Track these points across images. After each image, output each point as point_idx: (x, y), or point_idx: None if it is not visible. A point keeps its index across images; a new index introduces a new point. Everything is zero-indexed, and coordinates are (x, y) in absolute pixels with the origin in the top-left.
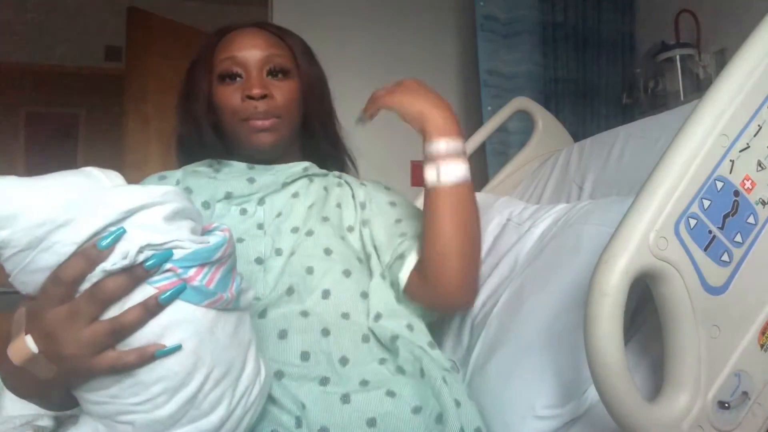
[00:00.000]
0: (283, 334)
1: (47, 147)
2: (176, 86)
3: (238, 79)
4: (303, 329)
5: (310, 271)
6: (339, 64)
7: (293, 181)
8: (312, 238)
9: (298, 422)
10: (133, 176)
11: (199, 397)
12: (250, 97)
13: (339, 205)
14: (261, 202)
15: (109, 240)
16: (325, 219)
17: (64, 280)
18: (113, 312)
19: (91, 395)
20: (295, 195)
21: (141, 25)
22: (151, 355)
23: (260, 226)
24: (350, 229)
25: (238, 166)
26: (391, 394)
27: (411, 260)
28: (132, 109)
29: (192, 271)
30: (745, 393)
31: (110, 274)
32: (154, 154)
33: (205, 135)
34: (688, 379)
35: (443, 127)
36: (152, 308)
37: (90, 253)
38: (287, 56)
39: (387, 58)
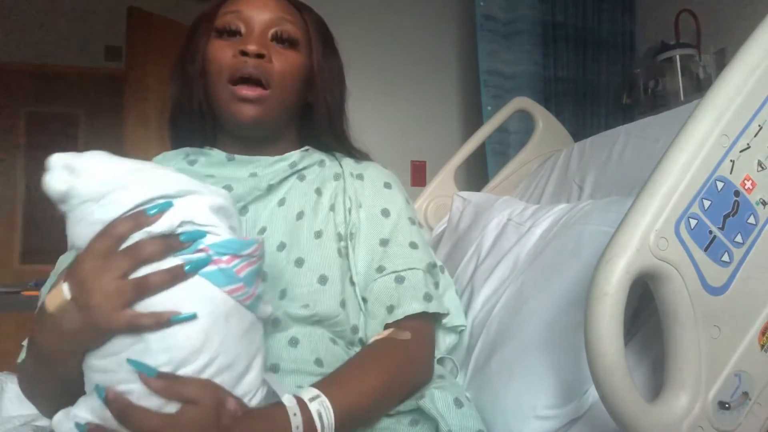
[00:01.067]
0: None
1: (47, 147)
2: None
3: (237, 36)
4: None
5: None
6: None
7: (280, 181)
8: (304, 268)
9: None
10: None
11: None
12: (244, 53)
13: (332, 207)
14: (243, 211)
15: (156, 209)
16: (318, 234)
17: (112, 234)
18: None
19: (101, 361)
20: (282, 203)
21: (141, 25)
22: (166, 320)
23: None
24: (340, 237)
25: (216, 157)
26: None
27: (376, 326)
28: (132, 109)
29: (224, 258)
30: (745, 393)
31: (150, 238)
32: (154, 154)
33: (194, 100)
34: (688, 379)
35: None
36: (178, 275)
37: (139, 216)
38: (299, 27)
39: (387, 58)
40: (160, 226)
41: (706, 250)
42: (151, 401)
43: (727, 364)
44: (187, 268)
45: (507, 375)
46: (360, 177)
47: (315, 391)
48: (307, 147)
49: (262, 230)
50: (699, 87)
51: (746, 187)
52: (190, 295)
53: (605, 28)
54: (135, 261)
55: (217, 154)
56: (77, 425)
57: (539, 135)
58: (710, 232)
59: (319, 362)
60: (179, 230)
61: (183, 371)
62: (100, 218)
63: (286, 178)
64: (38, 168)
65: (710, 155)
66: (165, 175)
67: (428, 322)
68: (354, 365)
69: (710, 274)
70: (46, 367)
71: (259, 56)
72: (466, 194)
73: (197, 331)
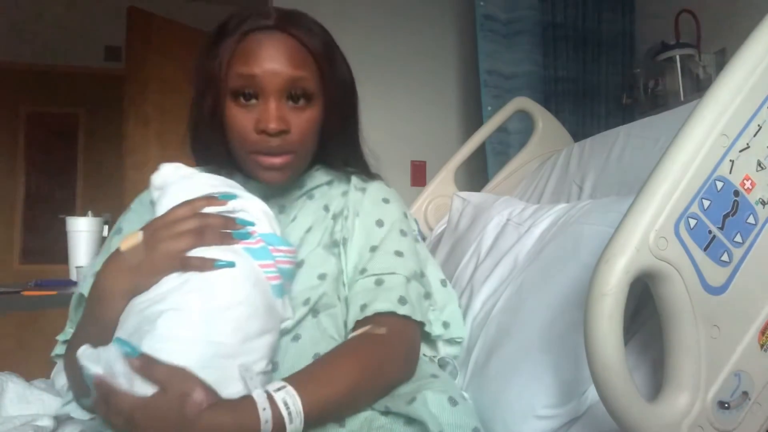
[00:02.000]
0: (275, 366)
1: (47, 147)
2: (176, 86)
3: (252, 100)
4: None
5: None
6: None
7: (292, 203)
8: (304, 268)
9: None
10: (133, 176)
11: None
12: (265, 132)
13: (334, 217)
14: None
15: (224, 197)
16: (320, 241)
17: (189, 204)
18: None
19: (145, 296)
20: (294, 219)
21: (141, 25)
22: (211, 264)
23: None
24: (336, 243)
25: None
26: (386, 413)
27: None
28: (132, 110)
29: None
30: (745, 393)
31: (215, 214)
32: (153, 155)
33: (214, 150)
34: (688, 379)
35: None
36: (226, 236)
37: (212, 198)
38: (312, 76)
39: (387, 58)
40: (224, 208)
41: (705, 249)
42: (138, 385)
43: (727, 363)
44: (234, 234)
45: (506, 375)
46: (363, 190)
47: (281, 383)
48: (318, 166)
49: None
50: (699, 87)
51: (746, 186)
52: (232, 255)
53: (605, 28)
54: (200, 224)
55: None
56: (86, 375)
57: (539, 135)
58: (710, 231)
59: (317, 357)
60: (236, 215)
61: (212, 304)
62: (184, 197)
63: (297, 199)
64: (38, 168)
65: (710, 155)
66: (235, 184)
67: (405, 324)
68: (325, 358)
69: (710, 273)
70: (98, 309)
71: (281, 133)
72: (465, 194)
73: (231, 277)
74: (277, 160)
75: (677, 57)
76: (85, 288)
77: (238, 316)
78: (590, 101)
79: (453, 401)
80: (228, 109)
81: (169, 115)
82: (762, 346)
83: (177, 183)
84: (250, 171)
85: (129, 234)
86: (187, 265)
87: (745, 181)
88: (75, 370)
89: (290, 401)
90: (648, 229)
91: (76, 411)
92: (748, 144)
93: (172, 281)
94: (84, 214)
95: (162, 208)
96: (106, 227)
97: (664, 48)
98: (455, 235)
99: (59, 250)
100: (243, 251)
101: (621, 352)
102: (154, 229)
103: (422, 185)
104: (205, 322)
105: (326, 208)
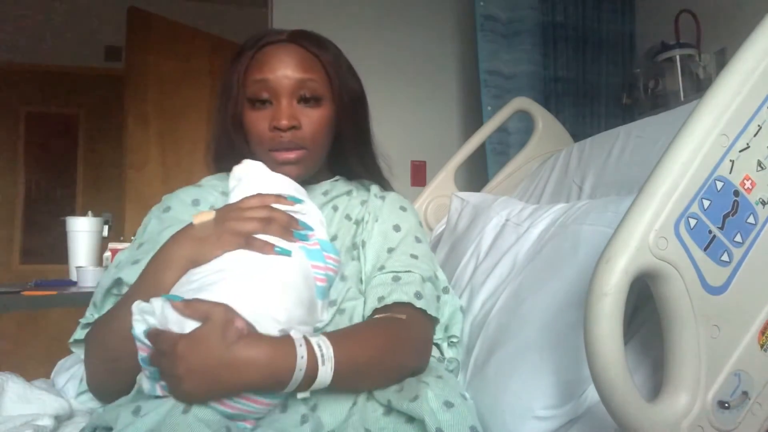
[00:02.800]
0: None
1: (47, 147)
2: (176, 86)
3: (267, 104)
4: None
5: None
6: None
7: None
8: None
9: (304, 419)
10: (133, 176)
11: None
12: (277, 128)
13: (356, 223)
14: None
15: (292, 198)
16: (342, 246)
17: (260, 198)
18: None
19: (203, 268)
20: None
21: (141, 25)
22: (271, 248)
23: None
24: (355, 246)
25: None
26: (388, 413)
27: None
28: (132, 109)
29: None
30: (745, 393)
31: (282, 211)
32: (153, 154)
33: (236, 149)
34: (688, 378)
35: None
36: (287, 231)
37: (281, 197)
38: (321, 80)
39: (387, 59)
40: (291, 208)
41: (705, 249)
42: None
43: (727, 363)
44: (296, 232)
45: (505, 375)
46: (382, 198)
47: (315, 333)
48: (337, 177)
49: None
50: (699, 87)
51: (746, 186)
52: (290, 247)
53: (605, 28)
54: (268, 215)
55: None
56: (137, 332)
57: (539, 135)
58: (710, 231)
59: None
60: (299, 217)
61: (267, 282)
62: (254, 191)
63: (322, 207)
64: (38, 168)
65: (710, 155)
66: (302, 191)
67: (420, 317)
68: (354, 326)
69: (710, 273)
70: (157, 275)
71: (291, 128)
72: (464, 194)
73: (286, 264)
74: (290, 155)
75: (677, 57)
76: (125, 273)
77: (287, 299)
78: (590, 101)
79: (451, 403)
80: (246, 115)
81: (169, 115)
82: (762, 345)
83: (254, 178)
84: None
85: (202, 211)
86: (251, 244)
87: (745, 181)
88: (104, 347)
89: (323, 346)
90: (648, 228)
91: (89, 402)
92: (748, 144)
93: (232, 257)
94: (84, 214)
95: (235, 197)
96: (106, 227)
97: (664, 48)
98: (454, 235)
99: (59, 250)
100: (299, 249)
101: (621, 352)
102: (226, 210)
103: (422, 185)
104: (257, 293)
105: (348, 217)
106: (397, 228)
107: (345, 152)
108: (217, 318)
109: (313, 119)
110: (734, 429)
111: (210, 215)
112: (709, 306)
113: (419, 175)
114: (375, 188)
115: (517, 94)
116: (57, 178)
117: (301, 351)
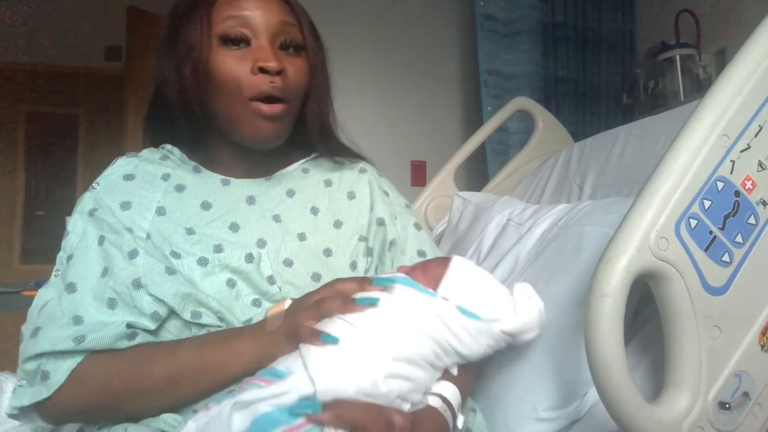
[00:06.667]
0: None
1: (47, 147)
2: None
3: (243, 45)
4: None
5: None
6: (338, 64)
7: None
8: (333, 257)
9: None
10: None
11: None
12: (264, 71)
13: (372, 209)
14: (261, 243)
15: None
16: (352, 235)
17: (338, 289)
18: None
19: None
20: (302, 237)
21: (141, 25)
22: (317, 336)
23: (270, 280)
24: (362, 238)
25: (211, 183)
26: None
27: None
28: (132, 109)
29: None
30: (745, 393)
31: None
32: None
33: (188, 106)
34: (688, 379)
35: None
36: (348, 306)
37: (362, 285)
38: (298, 28)
39: (387, 58)
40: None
41: (706, 250)
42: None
43: (728, 364)
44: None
45: (507, 377)
46: (386, 194)
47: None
48: (315, 155)
49: (302, 236)
50: (699, 87)
51: (746, 187)
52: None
53: (605, 28)
54: (340, 301)
55: (210, 177)
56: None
57: (539, 135)
58: (710, 232)
59: (316, 276)
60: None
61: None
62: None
63: (316, 187)
64: (38, 168)
65: (710, 155)
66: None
67: None
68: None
69: (710, 274)
70: (207, 369)
71: (280, 72)
72: (465, 194)
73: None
74: (277, 108)
75: (677, 57)
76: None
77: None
78: (590, 101)
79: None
80: (216, 58)
81: None
82: (763, 346)
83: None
84: (241, 128)
85: (276, 306)
86: (302, 335)
87: (746, 182)
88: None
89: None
90: (649, 229)
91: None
92: (748, 144)
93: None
94: None
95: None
96: None
97: (664, 48)
98: (455, 235)
99: (59, 250)
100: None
101: (621, 352)
102: (298, 303)
103: (422, 185)
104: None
105: (351, 195)
106: (417, 226)
107: (309, 120)
108: (378, 424)
109: (295, 67)
110: (735, 430)
111: (283, 306)
112: (709, 306)
113: (419, 175)
114: (372, 173)
115: (517, 94)
116: (57, 178)
117: (447, 415)
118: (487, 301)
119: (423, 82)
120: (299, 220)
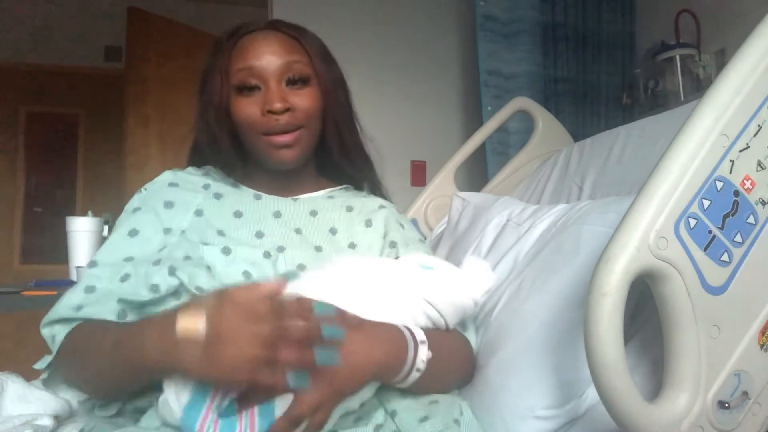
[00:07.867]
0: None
1: (47, 147)
2: (176, 86)
3: (256, 90)
4: None
5: None
6: (338, 64)
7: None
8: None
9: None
10: (133, 176)
11: None
12: (271, 112)
13: (385, 236)
14: (280, 249)
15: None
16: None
17: (300, 306)
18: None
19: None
20: (318, 249)
21: (141, 25)
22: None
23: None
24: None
25: (245, 195)
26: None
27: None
28: (132, 110)
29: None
30: (745, 393)
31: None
32: (154, 155)
33: (221, 145)
34: (688, 379)
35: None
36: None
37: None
38: (305, 61)
39: (387, 58)
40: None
41: (705, 249)
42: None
43: (727, 363)
44: (318, 355)
45: (506, 375)
46: (401, 226)
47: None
48: (343, 186)
49: (319, 248)
50: (699, 87)
51: (746, 186)
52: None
53: (605, 28)
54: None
55: (245, 191)
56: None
57: (539, 135)
58: (710, 231)
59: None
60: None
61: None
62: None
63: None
64: (38, 168)
65: (710, 155)
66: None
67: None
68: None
69: (710, 273)
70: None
71: (285, 110)
72: (465, 194)
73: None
74: (287, 138)
75: (677, 57)
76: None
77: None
78: (590, 101)
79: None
80: (234, 103)
81: (169, 115)
82: (762, 346)
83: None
84: (262, 156)
85: (188, 311)
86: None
87: (745, 181)
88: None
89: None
90: (648, 229)
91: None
92: (748, 144)
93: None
94: (84, 214)
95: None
96: (106, 227)
97: (664, 48)
98: (455, 235)
99: (59, 250)
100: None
101: (621, 352)
102: (224, 318)
103: (422, 185)
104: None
105: (368, 223)
106: (427, 254)
107: (329, 143)
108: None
109: (303, 99)
110: (734, 429)
111: (198, 323)
112: (709, 306)
113: (419, 175)
114: (390, 209)
115: (517, 94)
116: (57, 178)
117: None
118: (440, 262)
119: (423, 82)
120: (318, 236)
